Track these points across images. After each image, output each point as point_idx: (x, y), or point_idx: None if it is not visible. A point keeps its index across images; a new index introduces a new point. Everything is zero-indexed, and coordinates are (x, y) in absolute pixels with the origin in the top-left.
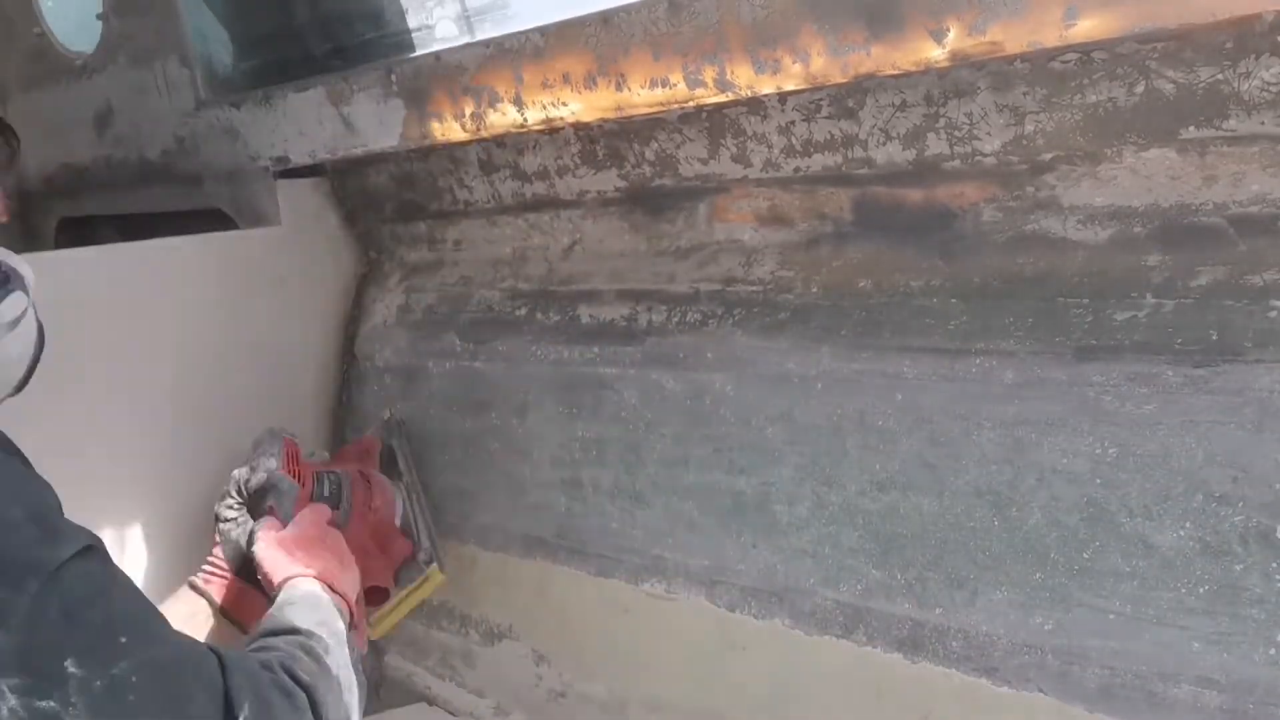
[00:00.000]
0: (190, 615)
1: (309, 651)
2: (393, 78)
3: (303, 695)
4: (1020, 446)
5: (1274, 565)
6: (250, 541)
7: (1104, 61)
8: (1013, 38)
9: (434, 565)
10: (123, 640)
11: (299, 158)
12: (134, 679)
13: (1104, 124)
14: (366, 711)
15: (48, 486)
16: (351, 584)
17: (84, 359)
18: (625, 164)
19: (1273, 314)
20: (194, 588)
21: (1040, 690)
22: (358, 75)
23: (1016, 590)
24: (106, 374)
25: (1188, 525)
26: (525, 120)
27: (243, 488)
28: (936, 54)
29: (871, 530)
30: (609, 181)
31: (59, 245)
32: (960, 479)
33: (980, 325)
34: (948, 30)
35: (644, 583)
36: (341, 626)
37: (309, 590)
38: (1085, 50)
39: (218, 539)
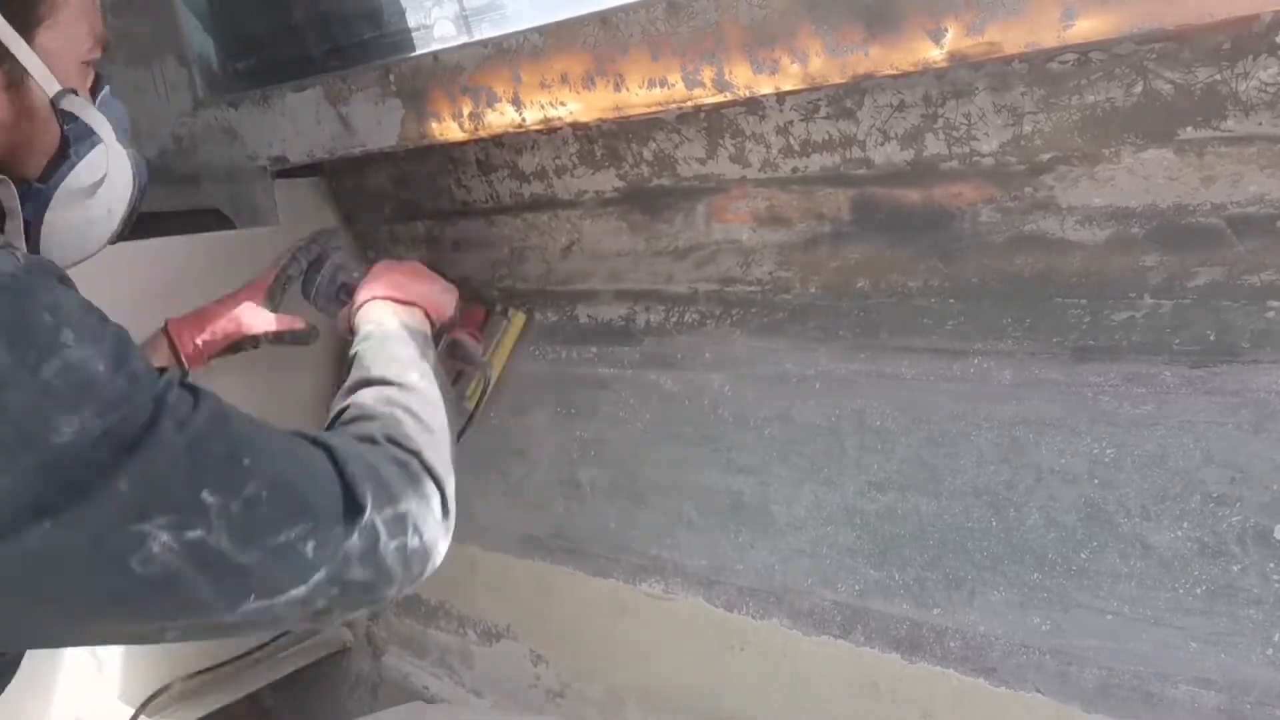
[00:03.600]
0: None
1: (406, 409)
2: (391, 78)
3: (415, 461)
4: (1018, 447)
5: (1271, 566)
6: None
7: (1102, 62)
8: (1011, 38)
9: (513, 312)
10: (245, 463)
11: (297, 157)
12: (263, 494)
13: (1102, 125)
14: (364, 710)
15: (115, 327)
16: (433, 292)
17: None
18: (623, 164)
19: (1270, 314)
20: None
21: (1038, 690)
22: (356, 75)
23: (1014, 590)
24: None
25: (1185, 526)
26: (523, 120)
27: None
28: (934, 54)
29: (869, 530)
30: (607, 181)
31: None
32: (958, 479)
33: (978, 325)
34: (946, 31)
35: (642, 583)
36: (416, 349)
37: (377, 319)
38: (1083, 51)
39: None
